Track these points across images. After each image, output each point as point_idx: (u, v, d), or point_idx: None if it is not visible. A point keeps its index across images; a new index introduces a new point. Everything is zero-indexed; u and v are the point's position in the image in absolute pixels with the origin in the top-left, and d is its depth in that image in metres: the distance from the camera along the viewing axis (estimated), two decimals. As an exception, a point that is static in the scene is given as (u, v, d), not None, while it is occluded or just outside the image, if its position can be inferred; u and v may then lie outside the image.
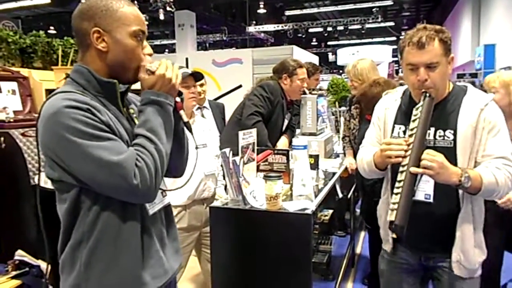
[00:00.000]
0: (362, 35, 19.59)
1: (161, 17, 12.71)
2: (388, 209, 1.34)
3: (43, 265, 2.61)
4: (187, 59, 6.62)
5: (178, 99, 1.19)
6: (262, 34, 17.98)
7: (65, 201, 1.08)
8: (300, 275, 1.59)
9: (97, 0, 1.10)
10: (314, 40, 22.01)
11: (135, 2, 11.79)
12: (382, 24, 17.72)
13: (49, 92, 3.19)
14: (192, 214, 2.19)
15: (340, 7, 15.76)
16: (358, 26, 17.49)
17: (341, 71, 22.30)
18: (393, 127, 1.56)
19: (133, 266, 1.11)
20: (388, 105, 1.62)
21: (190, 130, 1.24)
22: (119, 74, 1.13)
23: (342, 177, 2.93)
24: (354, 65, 2.75)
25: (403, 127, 1.53)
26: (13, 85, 3.00)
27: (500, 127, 1.42)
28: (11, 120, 2.65)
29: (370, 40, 21.25)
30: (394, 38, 21.54)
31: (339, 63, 19.32)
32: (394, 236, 1.41)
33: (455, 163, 1.38)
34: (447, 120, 1.44)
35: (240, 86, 6.14)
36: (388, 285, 1.67)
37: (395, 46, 22.23)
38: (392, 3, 14.83)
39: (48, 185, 1.22)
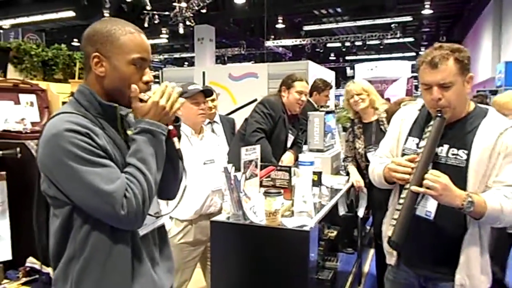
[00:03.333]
0: (381, 50, 19.57)
1: (181, 31, 13.00)
2: (390, 224, 1.35)
3: (52, 272, 2.67)
4: (204, 73, 6.72)
5: (171, 127, 1.18)
6: (280, 49, 18.14)
7: (58, 216, 1.12)
8: (297, 286, 1.59)
9: (103, 26, 1.15)
10: (332, 54, 22.07)
11: (156, 16, 12.14)
12: (401, 40, 17.67)
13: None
14: (198, 229, 2.22)
15: (358, 23, 15.80)
16: (377, 42, 17.48)
17: (359, 86, 22.18)
18: (407, 138, 1.56)
19: (123, 285, 1.13)
20: (404, 116, 1.62)
21: (181, 158, 1.24)
22: (115, 98, 1.16)
23: (356, 192, 2.92)
24: (353, 83, 2.85)
25: (416, 140, 1.52)
26: (32, 97, 3.12)
27: None
28: (28, 131, 2.75)
29: (388, 55, 21.19)
30: (413, 54, 21.43)
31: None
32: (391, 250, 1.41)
33: (464, 183, 1.38)
34: (463, 140, 1.43)
35: (255, 100, 6.16)
36: None
37: (414, 62, 22.09)
38: (411, 19, 14.79)
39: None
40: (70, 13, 10.87)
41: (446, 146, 1.44)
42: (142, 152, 1.09)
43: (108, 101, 1.15)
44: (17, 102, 2.99)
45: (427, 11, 12.24)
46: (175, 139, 1.20)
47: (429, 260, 1.49)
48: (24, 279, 2.58)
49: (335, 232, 2.86)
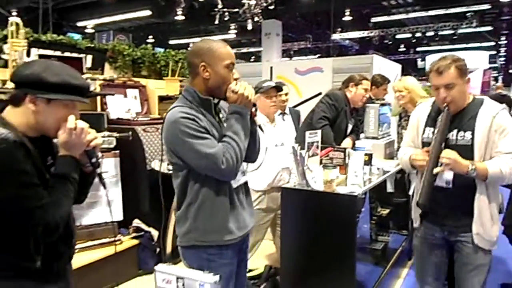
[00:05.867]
0: (455, 40, 18.65)
1: (249, 27, 13.50)
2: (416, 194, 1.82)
3: (153, 231, 3.35)
4: (271, 68, 7.13)
5: (253, 109, 1.68)
6: (347, 41, 18.03)
7: (179, 177, 1.65)
8: (346, 242, 2.05)
9: (204, 43, 1.65)
10: (401, 46, 21.38)
11: (226, 13, 12.77)
12: (478, 29, 16.72)
13: (161, 97, 4.00)
14: (270, 198, 2.74)
15: (430, 13, 15.20)
16: (450, 32, 16.72)
17: (431, 78, 21.30)
18: (424, 129, 1.98)
19: (224, 219, 1.64)
20: (420, 112, 2.05)
21: (262, 130, 1.74)
22: (215, 93, 1.65)
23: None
24: (400, 80, 3.22)
25: (432, 129, 1.94)
26: (135, 92, 3.84)
27: (509, 129, 1.80)
28: (135, 118, 3.45)
29: (464, 45, 20.11)
30: (492, 44, 20.13)
31: (428, 69, 18.45)
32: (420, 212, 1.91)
33: (472, 156, 1.80)
34: (467, 124, 1.85)
35: (319, 94, 6.45)
36: (421, 256, 2.08)
37: (493, 52, 20.62)
38: (489, 7, 14.00)
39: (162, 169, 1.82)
40: (147, 12, 11.45)
41: (455, 131, 1.87)
42: (234, 126, 1.59)
43: (206, 96, 1.64)
44: (125, 95, 3.72)
45: (507, -2, 11.54)
46: (255, 118, 1.71)
47: (451, 217, 1.90)
48: (133, 234, 3.29)
49: (387, 210, 3.22)
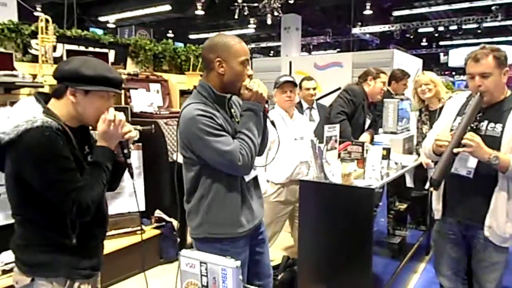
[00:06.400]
0: (479, 34, 18.17)
1: (269, 21, 13.46)
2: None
3: (174, 222, 3.45)
4: (290, 62, 7.14)
5: (266, 105, 1.70)
6: (367, 36, 17.81)
7: (191, 171, 1.68)
8: (363, 235, 2.08)
9: (219, 39, 1.66)
10: (424, 40, 20.95)
11: (246, 8, 12.77)
12: (503, 23, 16.25)
13: (182, 91, 4.09)
14: (289, 191, 2.79)
15: (454, 6, 14.84)
16: (475, 25, 16.30)
17: (453, 73, 20.90)
18: (455, 118, 1.97)
19: (235, 213, 1.68)
20: (454, 102, 2.04)
21: (274, 126, 1.76)
22: (229, 89, 1.67)
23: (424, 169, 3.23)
24: (423, 74, 3.22)
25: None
26: (158, 86, 3.94)
27: None
28: (158, 112, 3.54)
29: (489, 40, 19.58)
30: (517, 38, 19.54)
31: (450, 64, 18.11)
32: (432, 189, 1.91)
33: (498, 149, 1.77)
34: (500, 117, 1.82)
35: (339, 89, 6.45)
36: (439, 250, 2.10)
37: (519, 46, 19.96)
38: (516, -1, 13.59)
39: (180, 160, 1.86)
40: (167, 7, 11.64)
41: (486, 122, 1.84)
42: (248, 123, 1.63)
43: (220, 91, 1.65)
44: (148, 89, 3.82)
45: (534, -9, 11.18)
46: (268, 114, 1.73)
47: (469, 210, 1.89)
48: (155, 224, 3.39)
49: (405, 205, 3.23)
